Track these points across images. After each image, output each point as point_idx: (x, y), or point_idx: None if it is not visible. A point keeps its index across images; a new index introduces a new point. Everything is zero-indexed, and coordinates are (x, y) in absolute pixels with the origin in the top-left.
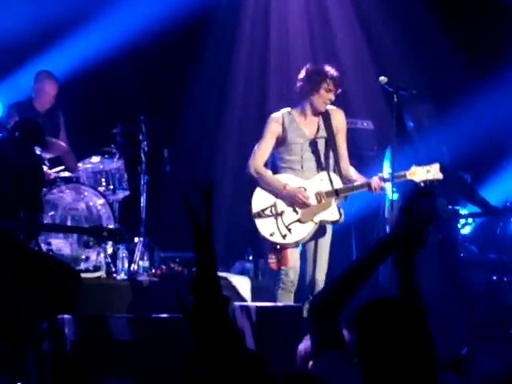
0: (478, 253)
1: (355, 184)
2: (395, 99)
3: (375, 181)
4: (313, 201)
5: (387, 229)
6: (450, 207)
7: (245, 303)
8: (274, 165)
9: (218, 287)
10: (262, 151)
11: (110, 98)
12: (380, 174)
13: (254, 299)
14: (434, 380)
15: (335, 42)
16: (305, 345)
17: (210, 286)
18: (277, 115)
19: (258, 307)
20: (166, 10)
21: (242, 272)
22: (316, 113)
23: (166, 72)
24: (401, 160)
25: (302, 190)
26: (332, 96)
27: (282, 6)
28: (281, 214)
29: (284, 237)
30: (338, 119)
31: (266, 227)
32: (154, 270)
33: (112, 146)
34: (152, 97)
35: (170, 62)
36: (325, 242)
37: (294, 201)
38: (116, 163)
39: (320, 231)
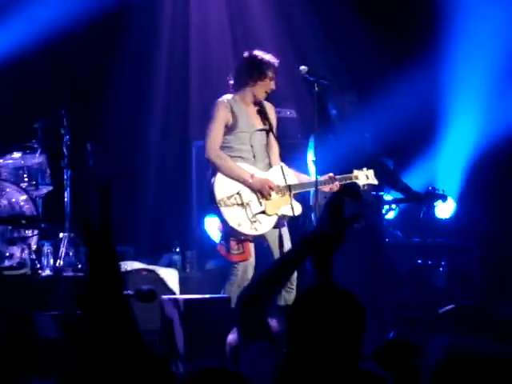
0: (402, 237)
1: (307, 182)
2: (316, 88)
3: (327, 182)
4: (274, 195)
5: (312, 216)
6: (373, 193)
7: (173, 296)
8: None
9: (119, 283)
10: (217, 135)
11: (30, 93)
12: (331, 174)
13: (182, 291)
14: (355, 367)
15: (255, 31)
16: (233, 336)
17: (110, 282)
18: (224, 101)
19: (186, 299)
20: (86, 1)
21: (170, 264)
22: (255, 102)
23: (87, 65)
24: (325, 148)
25: (271, 181)
26: (273, 85)
27: None
28: (247, 203)
29: (252, 228)
30: (272, 113)
31: (232, 216)
32: (79, 266)
33: (33, 141)
34: (73, 91)
35: (90, 55)
36: (286, 233)
37: (262, 191)
38: (38, 158)
39: (280, 223)
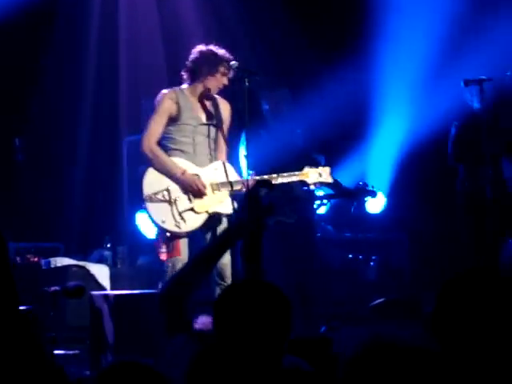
0: (334, 232)
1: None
2: (247, 83)
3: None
4: (208, 191)
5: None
6: (304, 188)
7: (104, 292)
8: (161, 145)
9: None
10: (156, 128)
11: None
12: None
13: (113, 287)
14: (279, 362)
15: (185, 25)
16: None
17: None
18: (170, 92)
19: (116, 295)
20: None
21: (101, 260)
22: (207, 97)
23: (15, 59)
24: (256, 143)
25: (199, 179)
26: (226, 80)
27: None
28: (174, 200)
29: (176, 225)
30: (225, 110)
31: (157, 212)
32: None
33: None
34: (1, 86)
35: (19, 49)
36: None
37: (190, 189)
38: None
39: (214, 220)
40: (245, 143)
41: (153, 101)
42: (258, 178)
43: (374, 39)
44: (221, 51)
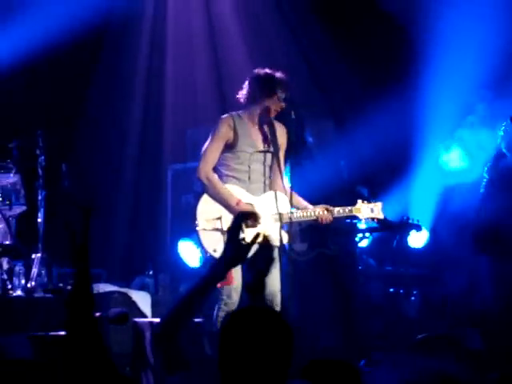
0: (375, 266)
1: (303, 213)
2: (293, 116)
3: (323, 214)
4: (262, 221)
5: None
6: (347, 221)
7: (146, 319)
8: (215, 170)
9: (91, 304)
10: (212, 155)
11: (6, 112)
12: (326, 206)
13: (154, 314)
14: None
15: (233, 54)
16: None
17: (83, 302)
18: (228, 117)
19: (159, 322)
20: (62, 19)
21: (142, 287)
22: (265, 121)
23: (65, 85)
24: (300, 174)
25: (255, 211)
26: (283, 105)
27: (182, 16)
28: (227, 230)
29: None
30: (282, 135)
31: (209, 241)
32: (51, 287)
33: (8, 160)
34: (49, 111)
35: (68, 74)
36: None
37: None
38: (12, 178)
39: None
40: (289, 174)
41: (198, 130)
42: (339, 211)
43: (421, 69)
44: (278, 74)
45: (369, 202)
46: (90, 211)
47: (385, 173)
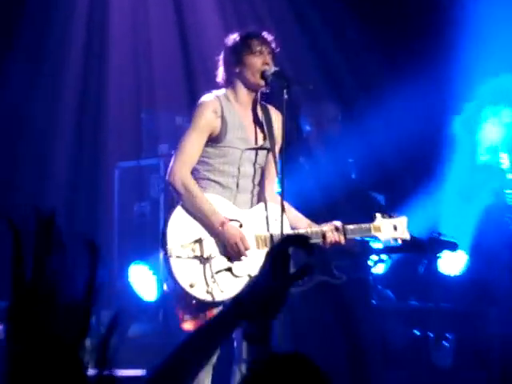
0: (395, 299)
1: (306, 231)
2: (285, 95)
3: (332, 233)
4: (252, 245)
5: None
6: (357, 239)
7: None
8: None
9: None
10: (193, 152)
11: None
12: (336, 223)
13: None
14: None
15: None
16: None
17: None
18: (213, 100)
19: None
20: None
21: None
22: (252, 96)
23: None
24: (294, 175)
25: (244, 237)
26: (267, 58)
27: None
28: (208, 257)
29: (209, 292)
30: (278, 124)
31: (183, 272)
32: None
33: None
34: None
35: None
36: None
37: (230, 248)
38: None
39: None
40: (279, 176)
41: (157, 113)
42: (352, 230)
43: (457, 39)
44: (237, 33)
45: (389, 215)
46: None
47: (407, 175)
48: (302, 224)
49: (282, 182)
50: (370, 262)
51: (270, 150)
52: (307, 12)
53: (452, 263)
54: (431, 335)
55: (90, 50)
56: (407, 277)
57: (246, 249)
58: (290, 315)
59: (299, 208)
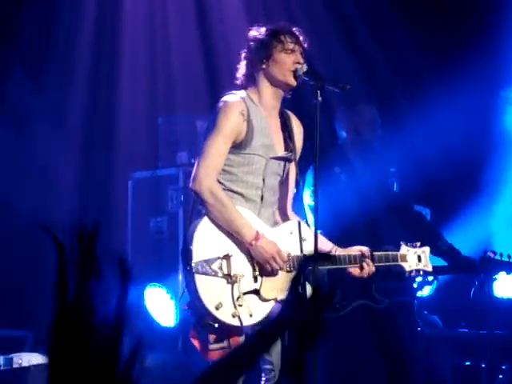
0: (442, 326)
1: (339, 254)
2: (319, 97)
3: (367, 263)
4: (284, 268)
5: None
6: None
7: None
8: None
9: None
10: (217, 157)
11: None
12: (364, 249)
13: None
14: None
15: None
16: None
17: None
18: (239, 101)
19: None
20: None
21: None
22: (277, 99)
23: None
24: (330, 187)
25: (280, 251)
26: (299, 56)
27: None
28: (236, 276)
29: (235, 315)
30: (299, 133)
31: (209, 292)
32: None
33: None
34: None
35: None
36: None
37: (265, 263)
38: None
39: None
40: (311, 187)
41: (176, 118)
42: (379, 257)
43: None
44: (266, 27)
45: (413, 245)
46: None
47: (456, 186)
48: (325, 247)
49: (315, 195)
50: (414, 285)
51: (291, 160)
52: (344, 6)
53: (508, 286)
54: (484, 366)
55: (100, 51)
56: (456, 301)
57: (282, 264)
58: (325, 343)
59: (334, 223)
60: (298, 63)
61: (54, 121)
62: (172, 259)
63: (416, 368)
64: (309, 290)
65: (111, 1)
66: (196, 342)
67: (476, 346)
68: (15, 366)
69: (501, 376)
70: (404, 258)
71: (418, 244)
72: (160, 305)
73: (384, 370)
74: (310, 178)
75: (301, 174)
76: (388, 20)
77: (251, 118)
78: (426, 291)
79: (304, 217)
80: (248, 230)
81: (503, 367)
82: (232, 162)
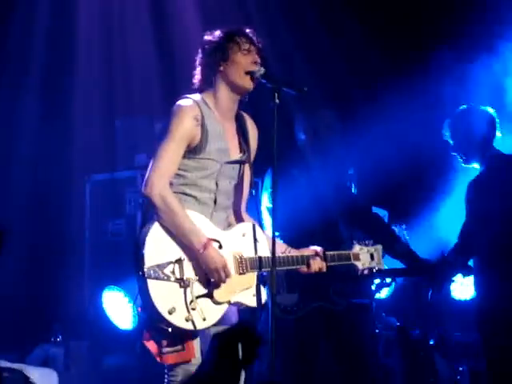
0: (399, 327)
1: (289, 255)
2: (276, 100)
3: (314, 259)
4: (232, 269)
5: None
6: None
7: None
8: None
9: None
10: (170, 162)
11: None
12: (316, 248)
13: None
14: None
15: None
16: None
17: None
18: (192, 105)
19: None
20: None
21: (46, 361)
22: (234, 101)
23: None
24: (288, 189)
25: (226, 264)
26: (256, 57)
27: None
28: (188, 279)
29: (188, 319)
30: (254, 136)
31: (163, 297)
32: None
33: None
34: None
35: None
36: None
37: (210, 274)
38: None
39: (230, 310)
40: (269, 189)
41: (134, 119)
42: (332, 256)
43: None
44: (221, 30)
45: (365, 243)
46: None
47: (414, 187)
48: (279, 248)
49: (273, 197)
50: (373, 287)
51: (245, 163)
52: (300, 7)
53: (465, 288)
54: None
55: (56, 52)
56: (414, 303)
57: (227, 277)
58: (281, 343)
59: (293, 225)
60: (255, 63)
61: (10, 122)
62: (130, 262)
63: (374, 370)
64: (264, 294)
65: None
66: (150, 345)
67: (435, 349)
68: None
69: (458, 377)
70: (357, 257)
71: (371, 242)
72: (118, 308)
73: (341, 372)
74: (268, 180)
75: (259, 176)
76: (345, 21)
77: (205, 122)
78: (383, 293)
79: (258, 218)
80: (197, 237)
81: (460, 369)
82: (186, 166)
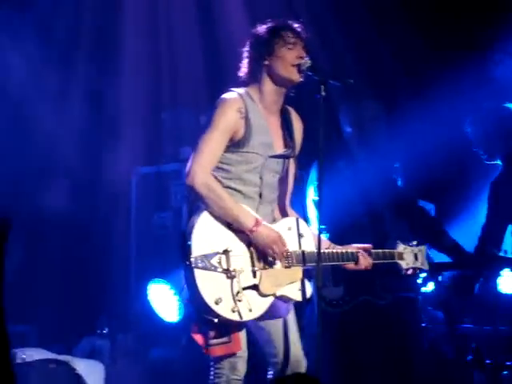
0: (446, 322)
1: (336, 251)
2: (323, 92)
3: (363, 256)
4: (279, 265)
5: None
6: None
7: None
8: None
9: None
10: (213, 153)
11: None
12: (366, 246)
13: None
14: None
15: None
16: None
17: None
18: (237, 98)
19: None
20: None
21: (92, 353)
22: (279, 95)
23: None
24: (334, 182)
25: (281, 236)
26: (301, 51)
27: None
28: (235, 271)
29: (234, 310)
30: (299, 130)
31: (210, 287)
32: None
33: None
34: None
35: None
36: (293, 322)
37: (267, 248)
38: None
39: (278, 303)
40: (315, 183)
41: (180, 112)
42: (377, 254)
43: None
44: (267, 25)
45: (409, 244)
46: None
47: (461, 181)
48: (323, 244)
49: (319, 190)
50: (419, 281)
51: (290, 157)
52: (350, 4)
53: None
54: (488, 362)
55: (103, 46)
56: (461, 297)
57: (284, 247)
58: (327, 336)
59: (339, 218)
60: (301, 57)
61: (57, 114)
62: (175, 254)
63: (421, 364)
64: (309, 288)
65: None
66: (197, 338)
67: (480, 343)
68: (18, 361)
69: (505, 372)
70: (401, 256)
71: (415, 242)
72: (163, 300)
73: (388, 366)
74: (314, 173)
75: (305, 169)
76: (393, 17)
77: (249, 115)
78: (430, 287)
79: (302, 213)
80: (247, 217)
81: (507, 363)
82: (230, 160)
